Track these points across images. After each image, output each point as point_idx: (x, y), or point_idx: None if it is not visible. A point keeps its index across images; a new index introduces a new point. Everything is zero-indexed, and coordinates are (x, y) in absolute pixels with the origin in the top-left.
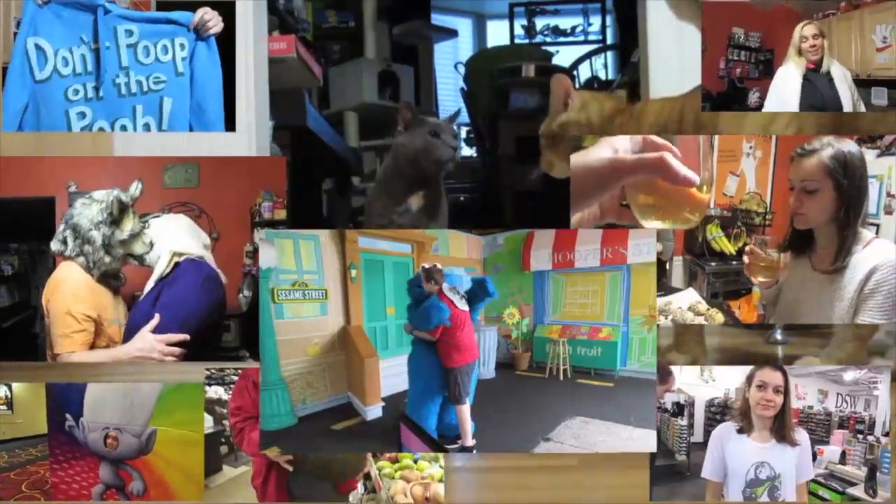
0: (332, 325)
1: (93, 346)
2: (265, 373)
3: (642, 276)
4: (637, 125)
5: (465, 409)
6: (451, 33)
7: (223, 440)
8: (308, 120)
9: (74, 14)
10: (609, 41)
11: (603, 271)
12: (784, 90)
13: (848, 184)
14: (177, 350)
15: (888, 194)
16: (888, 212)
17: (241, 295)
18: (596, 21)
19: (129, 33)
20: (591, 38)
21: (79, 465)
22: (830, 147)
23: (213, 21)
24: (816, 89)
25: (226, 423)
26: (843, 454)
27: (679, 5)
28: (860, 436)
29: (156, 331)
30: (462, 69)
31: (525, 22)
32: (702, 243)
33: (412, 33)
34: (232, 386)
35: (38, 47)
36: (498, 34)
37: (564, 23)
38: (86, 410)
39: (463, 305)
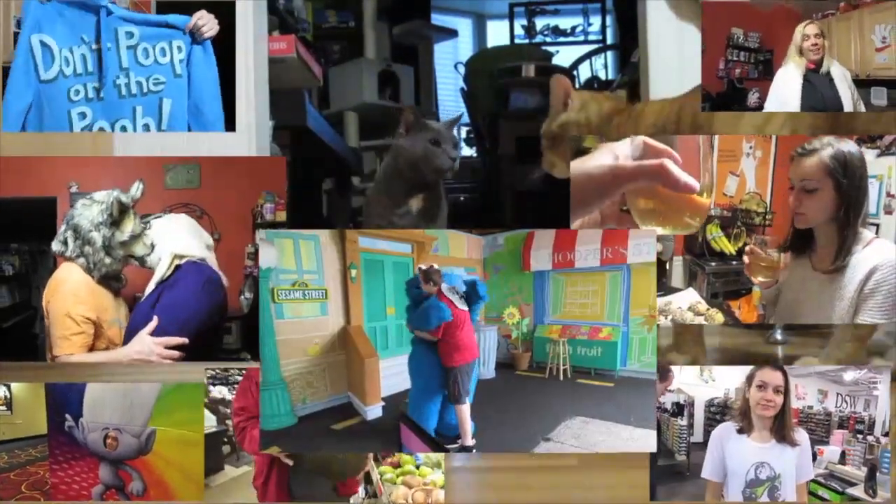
0: (332, 325)
1: (93, 348)
2: (265, 373)
3: (642, 276)
4: (636, 126)
5: (465, 409)
6: (451, 33)
7: (226, 440)
8: (308, 120)
9: (77, 13)
10: (609, 41)
11: (603, 271)
12: (785, 91)
13: (847, 183)
14: (175, 353)
15: (888, 194)
16: (888, 212)
17: (242, 297)
18: (596, 21)
19: (130, 35)
20: (591, 38)
21: (78, 465)
22: (830, 147)
23: (207, 25)
24: (817, 90)
25: (229, 422)
26: (843, 454)
27: (679, 5)
28: (860, 436)
29: (154, 333)
30: (462, 69)
31: (525, 22)
32: (702, 243)
33: (412, 33)
34: (236, 386)
35: (43, 44)
36: (498, 34)
37: (564, 23)
38: (85, 411)
39: (462, 305)
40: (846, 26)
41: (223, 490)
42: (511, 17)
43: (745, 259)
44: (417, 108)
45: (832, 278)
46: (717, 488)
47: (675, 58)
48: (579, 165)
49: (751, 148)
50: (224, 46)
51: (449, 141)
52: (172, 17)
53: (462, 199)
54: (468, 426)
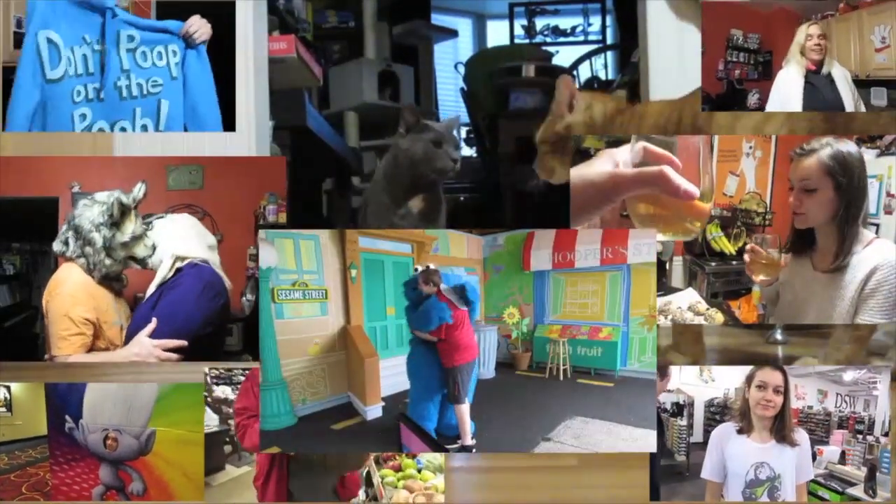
0: (332, 324)
1: (93, 348)
2: (265, 372)
3: (642, 276)
4: (637, 126)
5: (465, 409)
6: (451, 33)
7: (227, 439)
8: (308, 120)
9: (82, 13)
10: (609, 41)
11: (603, 271)
12: (786, 92)
13: (847, 183)
14: (174, 356)
15: (888, 194)
16: (888, 212)
17: (244, 298)
18: (596, 21)
19: (131, 38)
20: (591, 38)
21: (79, 466)
22: (829, 147)
23: (199, 31)
24: (818, 91)
25: (231, 422)
26: (843, 454)
27: (679, 5)
28: (860, 436)
29: (152, 336)
30: (462, 69)
31: (525, 22)
32: (702, 243)
33: (412, 33)
34: (239, 386)
35: (50, 42)
36: (498, 34)
37: (564, 23)
38: (85, 412)
39: (461, 305)
40: (846, 27)
41: (224, 490)
42: (511, 17)
43: (746, 257)
44: (417, 107)
45: (832, 278)
46: (716, 488)
47: (675, 58)
48: (579, 172)
49: (751, 148)
50: (224, 46)
51: (451, 142)
52: (168, 23)
53: (462, 199)
54: (468, 426)
